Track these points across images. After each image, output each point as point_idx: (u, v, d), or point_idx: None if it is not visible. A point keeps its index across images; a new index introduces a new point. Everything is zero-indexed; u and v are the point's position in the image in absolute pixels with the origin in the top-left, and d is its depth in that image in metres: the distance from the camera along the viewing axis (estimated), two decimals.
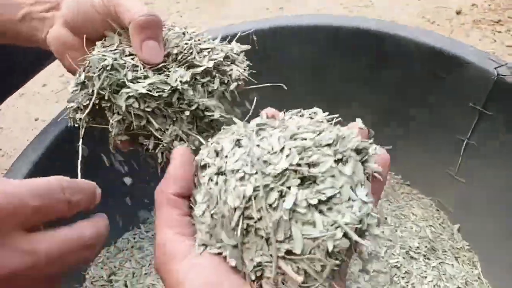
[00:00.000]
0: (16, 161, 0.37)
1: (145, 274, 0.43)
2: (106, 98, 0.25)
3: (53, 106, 0.83)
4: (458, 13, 0.87)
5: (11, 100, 0.84)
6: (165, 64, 0.25)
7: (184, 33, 0.28)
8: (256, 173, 0.17)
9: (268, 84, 0.29)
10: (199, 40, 0.27)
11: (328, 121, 0.22)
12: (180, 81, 0.24)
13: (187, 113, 0.25)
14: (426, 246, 0.44)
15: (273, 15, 0.93)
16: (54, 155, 0.39)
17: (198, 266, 0.17)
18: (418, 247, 0.44)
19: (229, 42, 0.29)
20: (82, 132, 0.27)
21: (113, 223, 0.48)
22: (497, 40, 0.81)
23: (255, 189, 0.17)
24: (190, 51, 0.26)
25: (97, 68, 0.25)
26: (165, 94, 0.24)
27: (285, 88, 0.30)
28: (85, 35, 0.29)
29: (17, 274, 0.18)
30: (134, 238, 0.47)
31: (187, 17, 0.98)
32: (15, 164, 0.37)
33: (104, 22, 0.28)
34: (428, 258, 0.44)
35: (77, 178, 0.24)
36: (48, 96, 0.86)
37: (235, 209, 0.17)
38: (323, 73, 0.51)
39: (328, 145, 0.18)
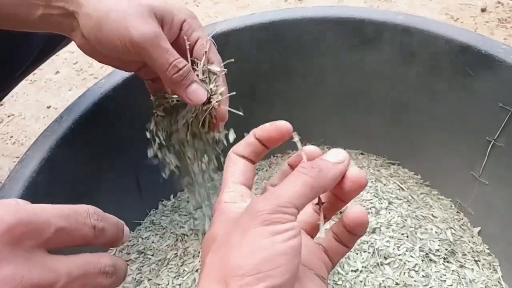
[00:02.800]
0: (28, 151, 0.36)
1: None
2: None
3: (65, 94, 0.83)
4: (483, 10, 0.84)
5: (22, 87, 0.84)
6: None
7: None
8: None
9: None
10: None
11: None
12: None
13: None
14: (446, 249, 0.43)
15: (292, 7, 0.91)
16: (68, 146, 0.38)
17: None
18: (438, 250, 0.42)
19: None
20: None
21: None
22: None
23: None
24: None
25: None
26: None
27: (242, 114, 0.33)
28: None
29: None
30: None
31: (203, 7, 0.96)
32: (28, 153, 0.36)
33: (131, 57, 0.29)
34: (448, 261, 0.42)
35: None
36: (61, 84, 0.85)
37: None
38: (343, 67, 0.49)
39: None
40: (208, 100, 0.31)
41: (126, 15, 0.27)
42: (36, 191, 0.34)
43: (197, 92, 0.29)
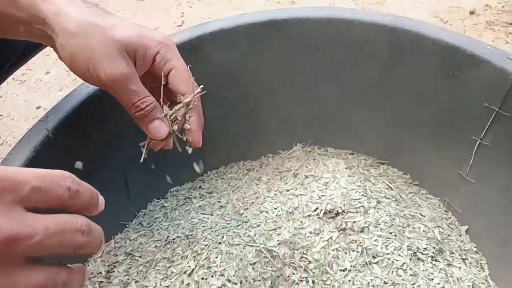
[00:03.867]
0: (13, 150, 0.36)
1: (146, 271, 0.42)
2: None
3: (56, 94, 0.82)
4: (472, 13, 0.85)
5: (11, 87, 0.83)
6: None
7: None
8: None
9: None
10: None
11: None
12: None
13: None
14: (434, 247, 0.43)
15: (284, 7, 0.92)
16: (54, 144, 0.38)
17: None
18: (425, 248, 0.43)
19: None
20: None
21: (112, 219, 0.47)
22: (509, 42, 0.80)
23: None
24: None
25: None
26: None
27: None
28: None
29: (16, 240, 0.18)
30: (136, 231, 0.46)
31: (196, 7, 0.96)
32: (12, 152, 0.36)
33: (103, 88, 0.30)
34: (436, 260, 0.42)
35: None
36: (51, 84, 0.84)
37: None
38: (332, 68, 0.49)
39: None
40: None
41: (96, 54, 0.28)
42: None
43: (157, 129, 0.31)
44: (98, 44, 0.28)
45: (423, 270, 0.41)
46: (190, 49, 0.45)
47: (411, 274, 0.41)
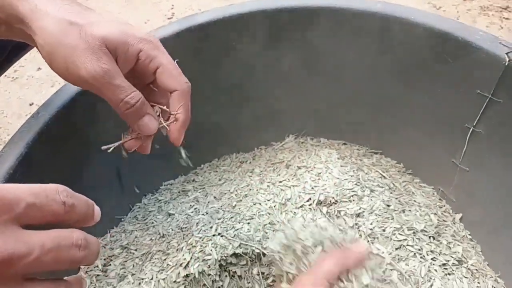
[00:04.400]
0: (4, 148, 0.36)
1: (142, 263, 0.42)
2: None
3: (48, 90, 0.81)
4: None
5: (4, 84, 0.82)
6: None
7: None
8: None
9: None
10: None
11: None
12: None
13: None
14: (433, 231, 0.43)
15: None
16: (44, 142, 0.37)
17: None
18: (424, 229, 0.43)
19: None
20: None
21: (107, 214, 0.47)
22: (504, 27, 0.79)
23: None
24: None
25: None
26: None
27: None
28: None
29: (13, 259, 0.18)
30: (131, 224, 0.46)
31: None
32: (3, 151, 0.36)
33: (84, 88, 0.29)
34: (438, 240, 0.42)
35: None
36: (43, 80, 0.84)
37: None
38: (323, 57, 0.49)
39: None
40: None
41: (75, 51, 0.26)
42: None
43: (147, 125, 0.30)
44: (77, 42, 0.26)
45: (427, 245, 0.41)
46: (180, 42, 0.44)
47: (418, 248, 0.41)
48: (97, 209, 0.23)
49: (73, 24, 0.27)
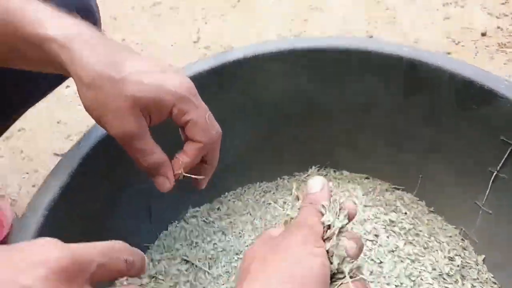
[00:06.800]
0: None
1: None
2: None
3: (76, 109, 0.84)
4: (483, 35, 0.86)
5: None
6: None
7: None
8: None
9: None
10: None
11: None
12: None
13: None
14: (456, 272, 0.44)
15: (298, 25, 0.93)
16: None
17: None
18: (449, 272, 0.43)
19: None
20: None
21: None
22: None
23: None
24: None
25: None
26: None
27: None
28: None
29: None
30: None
31: (212, 24, 0.98)
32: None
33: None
34: (462, 283, 0.43)
35: None
36: (71, 98, 0.86)
37: None
38: (351, 96, 0.51)
39: None
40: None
41: (105, 110, 0.28)
42: (54, 219, 0.36)
43: (159, 185, 0.32)
44: (109, 100, 0.28)
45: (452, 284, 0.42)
46: (213, 76, 0.46)
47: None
48: (146, 260, 0.25)
49: (107, 80, 0.27)
